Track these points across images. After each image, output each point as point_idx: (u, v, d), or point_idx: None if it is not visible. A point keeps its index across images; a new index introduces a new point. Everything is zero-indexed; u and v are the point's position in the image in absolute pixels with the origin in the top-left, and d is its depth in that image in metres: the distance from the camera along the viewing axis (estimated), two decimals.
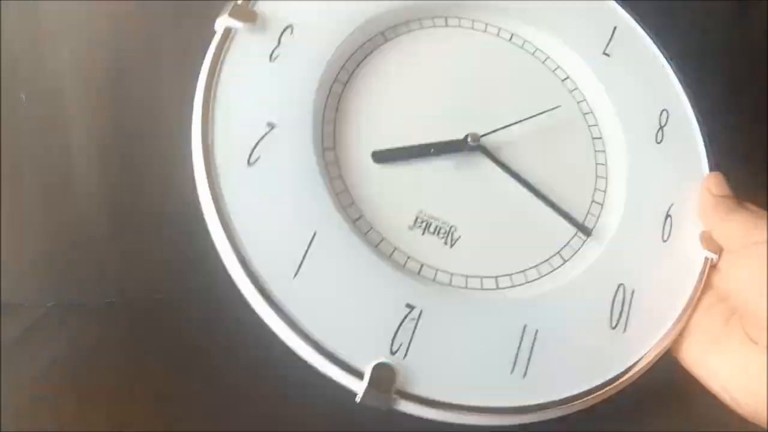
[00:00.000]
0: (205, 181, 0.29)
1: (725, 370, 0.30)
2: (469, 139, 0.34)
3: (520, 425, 0.29)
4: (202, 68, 0.31)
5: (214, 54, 0.31)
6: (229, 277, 0.43)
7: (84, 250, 0.43)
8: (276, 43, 0.33)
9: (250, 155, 0.30)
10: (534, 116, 0.36)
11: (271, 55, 0.32)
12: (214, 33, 0.32)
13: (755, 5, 0.50)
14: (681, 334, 0.32)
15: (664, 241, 0.34)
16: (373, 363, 0.27)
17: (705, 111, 0.38)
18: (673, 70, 0.39)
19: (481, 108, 0.36)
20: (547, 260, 0.34)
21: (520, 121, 0.35)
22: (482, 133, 0.34)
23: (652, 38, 0.40)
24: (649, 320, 0.32)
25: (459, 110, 0.36)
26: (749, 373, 0.29)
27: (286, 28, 0.33)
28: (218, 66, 0.31)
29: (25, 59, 0.40)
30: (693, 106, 0.38)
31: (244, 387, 0.38)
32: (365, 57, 0.35)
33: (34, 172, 0.42)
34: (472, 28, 0.38)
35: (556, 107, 0.37)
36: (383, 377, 0.27)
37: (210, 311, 0.42)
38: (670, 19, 0.44)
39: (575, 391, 0.30)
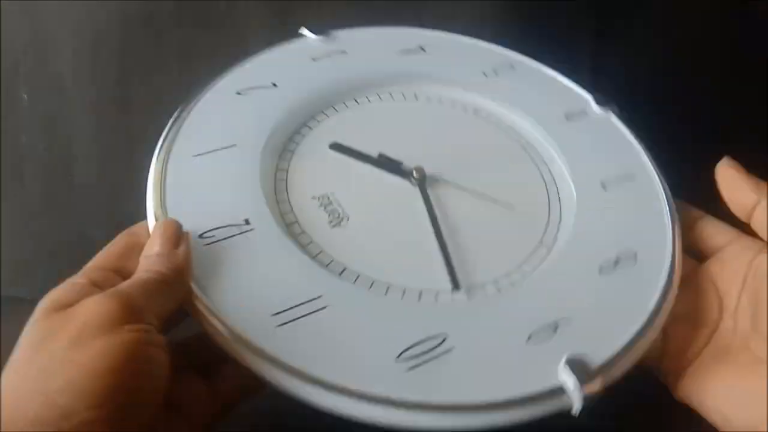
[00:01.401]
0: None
1: (724, 392, 0.29)
2: (414, 173, 0.36)
3: None
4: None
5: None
6: None
7: (85, 244, 0.42)
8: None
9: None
10: (487, 195, 0.37)
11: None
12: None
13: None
14: (676, 367, 0.31)
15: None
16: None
17: None
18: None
19: (436, 155, 0.38)
20: None
21: (473, 191, 0.37)
22: (430, 173, 0.36)
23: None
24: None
25: (414, 156, 0.37)
26: (751, 393, 0.28)
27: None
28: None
29: (26, 59, 0.43)
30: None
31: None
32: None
33: (35, 167, 0.43)
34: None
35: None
36: None
37: None
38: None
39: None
